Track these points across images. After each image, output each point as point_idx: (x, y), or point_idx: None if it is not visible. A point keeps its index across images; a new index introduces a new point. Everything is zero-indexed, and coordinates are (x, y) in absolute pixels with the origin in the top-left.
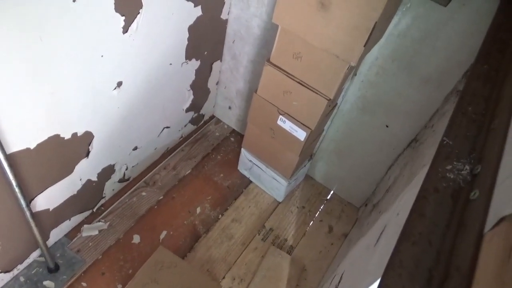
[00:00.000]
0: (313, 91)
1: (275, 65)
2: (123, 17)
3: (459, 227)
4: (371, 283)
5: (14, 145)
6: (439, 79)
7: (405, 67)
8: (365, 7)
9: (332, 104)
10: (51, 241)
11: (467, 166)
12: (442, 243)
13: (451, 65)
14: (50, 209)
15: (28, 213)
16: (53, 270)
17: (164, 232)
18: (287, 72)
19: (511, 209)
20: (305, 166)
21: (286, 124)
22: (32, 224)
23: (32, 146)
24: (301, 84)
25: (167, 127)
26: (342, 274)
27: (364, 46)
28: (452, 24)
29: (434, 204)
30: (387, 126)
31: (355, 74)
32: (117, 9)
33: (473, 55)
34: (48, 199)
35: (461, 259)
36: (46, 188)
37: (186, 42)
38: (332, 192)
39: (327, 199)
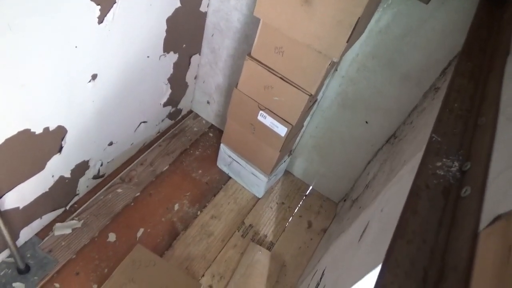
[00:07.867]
0: (295, 86)
1: (256, 60)
2: (99, 7)
3: (451, 224)
4: (359, 279)
5: None
6: (418, 76)
7: (385, 64)
8: (348, 3)
9: (313, 100)
10: (21, 241)
11: (456, 163)
12: (435, 241)
13: (430, 63)
14: (20, 207)
15: None
16: (23, 271)
17: (141, 230)
18: (269, 67)
19: (507, 206)
20: (284, 161)
21: (266, 120)
22: (0, 223)
23: (0, 141)
24: (282, 79)
25: (144, 122)
26: (324, 270)
27: (347, 42)
28: (432, 22)
29: (426, 201)
30: (366, 122)
31: (336, 70)
32: None
33: (451, 53)
34: (18, 196)
35: (457, 258)
36: (16, 185)
37: (164, 34)
38: (311, 187)
39: (306, 195)
